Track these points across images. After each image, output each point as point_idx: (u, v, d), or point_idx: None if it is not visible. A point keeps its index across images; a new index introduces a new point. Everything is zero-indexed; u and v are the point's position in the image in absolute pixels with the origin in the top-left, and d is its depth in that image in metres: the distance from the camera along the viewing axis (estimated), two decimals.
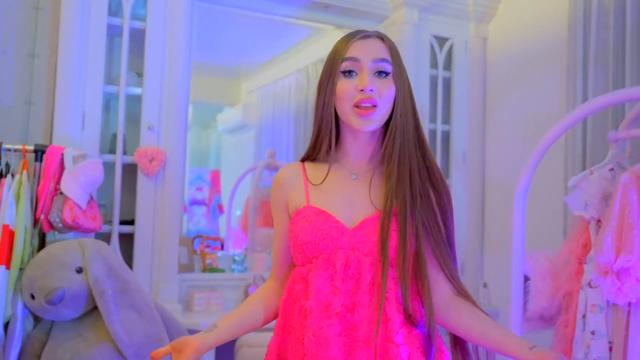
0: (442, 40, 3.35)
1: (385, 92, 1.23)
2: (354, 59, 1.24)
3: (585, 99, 2.60)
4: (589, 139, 2.56)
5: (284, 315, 1.27)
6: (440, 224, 1.25)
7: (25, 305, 2.26)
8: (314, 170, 1.32)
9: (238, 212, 4.33)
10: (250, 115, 4.73)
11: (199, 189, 4.45)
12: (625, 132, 2.10)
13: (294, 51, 4.33)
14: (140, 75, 2.78)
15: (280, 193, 1.33)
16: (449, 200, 1.27)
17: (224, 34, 4.02)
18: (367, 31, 1.29)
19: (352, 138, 1.29)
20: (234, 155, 4.94)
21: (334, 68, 1.26)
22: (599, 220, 2.00)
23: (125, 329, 2.21)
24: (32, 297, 2.20)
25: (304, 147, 4.16)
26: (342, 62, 1.24)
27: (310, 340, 1.16)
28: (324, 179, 1.30)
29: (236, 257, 3.12)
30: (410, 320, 1.18)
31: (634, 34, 2.43)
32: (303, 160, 1.37)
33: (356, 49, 1.25)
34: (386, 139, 1.27)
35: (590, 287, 1.95)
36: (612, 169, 2.06)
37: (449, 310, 1.24)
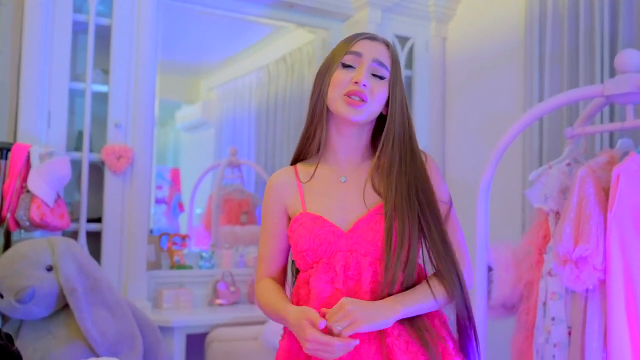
0: (403, 40, 3.45)
1: (377, 92, 1.29)
2: (357, 54, 1.30)
3: (541, 97, 2.73)
4: (545, 136, 2.69)
5: None
6: (432, 223, 1.29)
7: None
8: (306, 169, 1.37)
9: (198, 211, 4.33)
10: (210, 113, 4.72)
11: (159, 187, 4.41)
12: (581, 128, 2.23)
13: (255, 49, 4.35)
14: (106, 72, 2.77)
15: (275, 197, 1.38)
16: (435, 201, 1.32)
17: (184, 31, 4.01)
18: (375, 35, 1.35)
19: (338, 136, 1.34)
20: (193, 154, 4.92)
21: (335, 59, 1.31)
22: (557, 212, 2.12)
23: (97, 326, 2.21)
24: (1, 296, 2.17)
25: (265, 145, 4.22)
26: (345, 54, 1.30)
27: None
28: (312, 176, 1.34)
29: (203, 254, 3.15)
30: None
31: (587, 36, 2.57)
32: (294, 162, 1.41)
33: (361, 46, 1.31)
34: (383, 143, 1.31)
35: (550, 275, 2.07)
36: (569, 164, 2.18)
37: None
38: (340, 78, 1.29)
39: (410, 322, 1.24)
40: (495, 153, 2.20)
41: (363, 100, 1.27)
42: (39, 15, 2.56)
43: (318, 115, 1.33)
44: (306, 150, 1.39)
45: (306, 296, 1.29)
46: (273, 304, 1.31)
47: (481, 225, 2.21)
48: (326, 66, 1.33)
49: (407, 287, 1.25)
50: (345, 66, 1.30)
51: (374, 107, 1.30)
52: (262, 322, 2.71)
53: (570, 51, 2.64)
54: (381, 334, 1.21)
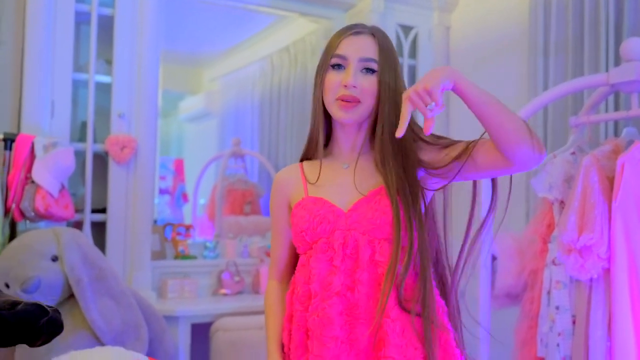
0: (406, 29, 3.43)
1: (368, 88, 1.31)
2: (342, 57, 1.32)
3: (545, 86, 2.72)
4: (549, 125, 2.68)
5: (289, 306, 1.34)
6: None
7: None
8: (311, 168, 1.40)
9: (202, 201, 4.34)
10: (213, 103, 4.72)
11: (163, 177, 4.42)
12: (585, 117, 2.22)
13: (257, 39, 4.33)
14: (109, 62, 2.76)
15: (280, 193, 1.41)
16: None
17: (186, 22, 4.00)
18: (362, 26, 1.35)
19: (341, 131, 1.37)
20: (196, 144, 4.92)
21: (325, 62, 1.34)
22: (562, 202, 2.11)
23: (102, 316, 2.22)
24: (7, 286, 2.19)
25: (268, 136, 4.22)
26: (331, 57, 1.32)
27: (314, 321, 1.23)
28: (318, 177, 1.36)
29: (207, 244, 3.15)
30: (400, 302, 1.23)
31: (591, 24, 2.55)
32: (301, 160, 1.45)
33: (346, 46, 1.32)
34: (376, 133, 1.33)
35: (554, 264, 2.07)
36: (573, 153, 2.18)
37: None
38: (331, 81, 1.32)
39: (409, 308, 1.23)
40: None
41: (356, 101, 1.30)
42: (41, 6, 2.55)
43: (319, 118, 1.37)
44: (312, 151, 1.42)
45: (300, 279, 1.31)
46: (267, 329, 1.41)
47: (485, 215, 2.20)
48: (321, 66, 1.36)
49: (422, 270, 1.25)
50: (334, 67, 1.32)
51: (368, 102, 1.32)
52: None
53: (575, 39, 2.62)
54: (378, 316, 1.21)
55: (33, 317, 1.45)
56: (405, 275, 1.23)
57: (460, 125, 3.42)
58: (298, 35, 3.90)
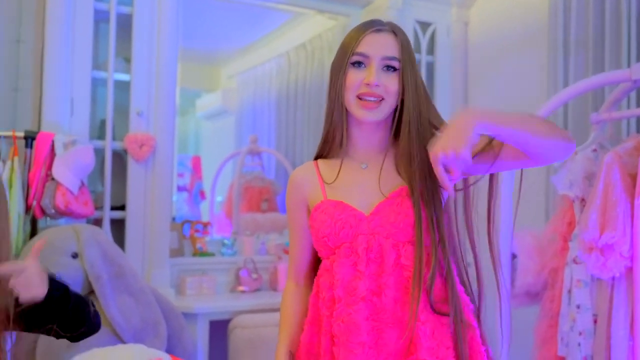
0: (424, 25, 3.41)
1: (391, 87, 1.28)
2: (363, 55, 1.28)
3: (566, 82, 2.68)
4: (570, 121, 2.65)
5: (312, 310, 1.32)
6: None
7: None
8: (327, 167, 1.37)
9: (219, 198, 4.35)
10: (230, 100, 4.74)
11: (181, 175, 4.45)
12: (607, 114, 2.19)
13: (274, 36, 4.33)
14: (128, 60, 2.77)
15: (297, 193, 1.38)
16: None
17: (203, 19, 4.01)
18: (380, 23, 1.32)
19: (358, 130, 1.34)
20: (214, 141, 4.94)
21: (344, 59, 1.30)
22: (583, 199, 2.08)
23: (122, 313, 2.23)
24: None
25: (285, 133, 4.22)
26: (352, 54, 1.29)
27: (340, 326, 1.20)
28: (337, 176, 1.33)
29: (225, 241, 3.16)
30: (431, 304, 1.21)
31: (613, 19, 2.51)
32: (316, 158, 1.41)
33: (366, 44, 1.28)
34: (401, 132, 1.30)
35: (575, 263, 2.04)
36: (595, 150, 2.15)
37: None
38: (352, 79, 1.28)
39: (441, 310, 1.22)
40: None
41: (378, 100, 1.27)
42: (61, 5, 2.56)
43: (337, 117, 1.32)
44: (327, 150, 1.39)
45: (325, 284, 1.29)
46: (279, 333, 1.41)
47: (505, 213, 2.18)
48: (338, 63, 1.32)
49: (447, 269, 1.24)
50: (355, 65, 1.29)
51: (390, 101, 1.29)
52: None
53: (596, 34, 2.58)
54: (412, 321, 1.19)
55: (87, 303, 1.49)
56: (433, 278, 1.21)
57: None
58: (315, 32, 3.89)
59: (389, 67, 1.29)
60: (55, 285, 1.43)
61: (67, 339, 1.53)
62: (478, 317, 1.30)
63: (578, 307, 2.01)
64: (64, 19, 2.58)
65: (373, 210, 1.27)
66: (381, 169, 1.31)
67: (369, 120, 1.29)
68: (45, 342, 2.23)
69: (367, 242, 1.25)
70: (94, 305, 1.58)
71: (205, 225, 3.15)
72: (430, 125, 1.30)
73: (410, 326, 1.18)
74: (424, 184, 1.25)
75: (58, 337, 1.51)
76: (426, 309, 1.21)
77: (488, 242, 1.32)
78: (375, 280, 1.23)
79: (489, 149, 1.22)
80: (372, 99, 1.27)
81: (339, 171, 1.34)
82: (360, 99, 1.28)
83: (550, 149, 1.16)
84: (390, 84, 1.28)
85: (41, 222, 2.50)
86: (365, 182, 1.31)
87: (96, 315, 1.57)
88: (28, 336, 2.27)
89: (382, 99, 1.27)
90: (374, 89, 1.26)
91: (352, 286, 1.22)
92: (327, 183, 1.34)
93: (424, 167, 1.25)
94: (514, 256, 2.23)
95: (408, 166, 1.27)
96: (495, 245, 1.34)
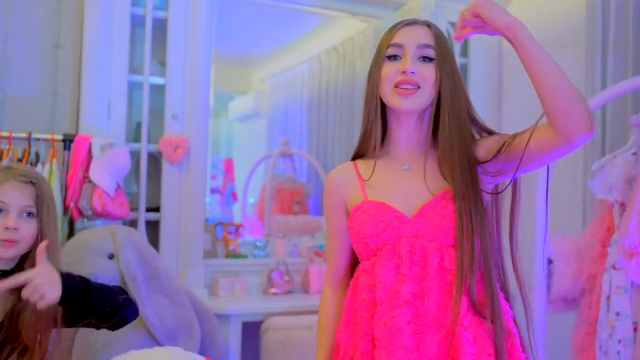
0: None
1: (427, 76, 1.26)
2: (398, 45, 1.28)
3: (604, 84, 2.62)
4: (608, 124, 2.59)
5: (348, 312, 1.31)
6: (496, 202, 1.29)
7: None
8: (366, 167, 1.35)
9: (251, 200, 4.37)
10: (262, 103, 4.75)
11: (214, 177, 4.48)
12: None
13: (306, 39, 4.34)
14: (163, 65, 2.81)
15: (335, 195, 1.37)
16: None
17: (236, 23, 4.04)
18: (415, 19, 1.33)
19: (397, 125, 1.32)
20: (247, 144, 4.97)
21: (381, 54, 1.30)
22: (622, 204, 2.03)
23: (157, 314, 2.25)
24: None
25: (317, 136, 4.22)
26: (387, 47, 1.29)
27: (382, 330, 1.19)
28: (372, 174, 1.32)
29: (258, 244, 3.17)
30: (476, 308, 1.20)
31: None
32: (354, 159, 1.40)
33: (401, 36, 1.29)
34: (440, 123, 1.28)
35: (615, 269, 1.99)
36: (635, 154, 2.09)
37: None
38: (388, 71, 1.28)
39: (484, 315, 1.21)
40: None
41: (415, 87, 1.25)
42: (98, 11, 2.61)
43: (374, 113, 1.31)
44: (365, 148, 1.37)
45: (364, 286, 1.27)
46: (318, 342, 1.39)
47: (540, 217, 2.14)
48: (375, 62, 1.32)
49: (487, 274, 1.22)
50: (391, 58, 1.28)
51: (428, 91, 1.27)
52: (315, 312, 2.70)
53: (636, 35, 2.52)
54: (451, 325, 1.18)
55: (114, 292, 1.50)
56: (474, 282, 1.20)
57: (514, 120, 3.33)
58: (347, 35, 3.89)
59: (425, 58, 1.27)
60: (70, 284, 1.41)
61: (107, 329, 1.55)
62: (517, 323, 1.27)
63: (617, 314, 1.96)
64: (102, 25, 2.62)
65: (417, 213, 1.25)
66: (425, 170, 1.29)
67: (406, 109, 1.27)
68: (82, 343, 2.27)
69: (411, 245, 1.23)
70: (126, 293, 1.58)
71: (238, 227, 3.17)
72: (469, 116, 1.29)
73: (452, 330, 1.17)
74: (466, 188, 1.23)
75: (98, 328, 1.53)
76: (469, 314, 1.19)
77: (511, 251, 1.29)
78: (418, 284, 1.21)
79: (514, 148, 1.21)
80: (408, 86, 1.25)
81: (374, 169, 1.32)
82: (397, 87, 1.26)
83: (572, 108, 1.12)
84: (427, 72, 1.26)
85: (78, 224, 2.54)
86: (408, 184, 1.29)
87: (129, 304, 1.56)
88: (67, 336, 2.31)
89: (419, 87, 1.25)
90: (410, 76, 1.25)
91: (394, 289, 1.21)
92: (366, 182, 1.32)
93: (465, 163, 1.24)
94: (550, 261, 2.18)
95: (450, 167, 1.25)
96: (518, 255, 1.30)
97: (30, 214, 1.42)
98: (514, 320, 1.27)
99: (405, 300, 1.19)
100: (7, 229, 1.38)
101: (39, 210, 1.43)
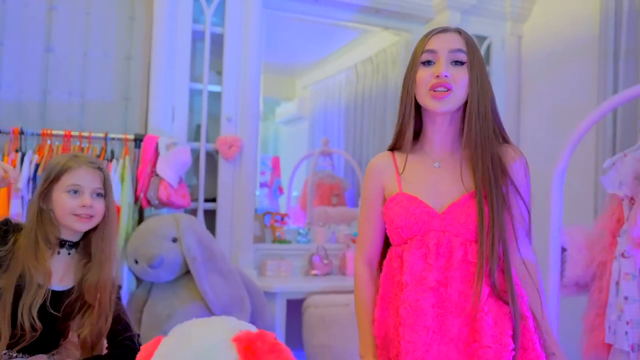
0: (481, 39, 3.32)
1: (459, 79, 1.23)
2: (432, 51, 1.25)
3: (615, 91, 2.55)
4: (619, 125, 2.52)
5: (383, 289, 1.30)
6: (520, 202, 1.24)
7: (129, 269, 2.38)
8: (401, 158, 1.33)
9: (295, 193, 4.39)
10: (304, 108, 4.76)
11: (262, 173, 4.52)
12: None
13: (344, 51, 4.33)
14: (219, 74, 2.85)
15: (375, 179, 1.34)
16: (526, 176, 1.28)
17: (282, 37, 4.05)
18: (446, 27, 1.30)
19: (432, 124, 1.30)
20: (290, 144, 4.99)
21: (415, 60, 1.27)
22: (632, 198, 1.97)
23: (213, 290, 2.30)
24: (136, 262, 2.31)
25: (353, 136, 4.21)
26: (421, 54, 1.26)
27: (407, 310, 1.18)
28: (404, 168, 1.30)
29: (301, 231, 3.19)
30: (497, 294, 1.19)
31: None
32: (391, 149, 1.37)
33: (434, 42, 1.26)
34: (466, 123, 1.26)
35: (624, 257, 1.93)
36: None
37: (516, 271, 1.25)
38: (422, 76, 1.25)
39: (504, 300, 1.20)
40: (569, 144, 2.07)
41: (448, 89, 1.22)
42: (164, 27, 2.67)
43: (408, 113, 1.29)
44: (400, 143, 1.35)
45: (398, 269, 1.26)
46: (360, 320, 1.34)
47: (555, 210, 2.09)
48: (410, 68, 1.29)
49: (507, 265, 1.20)
50: (425, 64, 1.26)
51: (460, 93, 1.24)
52: (351, 291, 2.71)
53: None
54: (470, 309, 1.17)
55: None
56: (495, 271, 1.19)
57: (531, 126, 3.27)
58: (380, 46, 3.87)
59: (457, 62, 1.24)
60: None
61: None
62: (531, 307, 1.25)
63: (626, 298, 1.90)
64: (167, 39, 2.68)
65: (445, 210, 1.24)
66: (457, 169, 1.27)
67: (440, 110, 1.24)
68: (150, 314, 2.32)
69: (438, 238, 1.22)
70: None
71: (283, 216, 3.20)
72: (493, 120, 1.26)
73: (472, 314, 1.17)
74: (489, 187, 1.21)
75: None
76: (489, 299, 1.18)
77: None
78: (442, 273, 1.20)
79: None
80: (441, 89, 1.22)
81: (405, 162, 1.31)
82: (432, 90, 1.23)
83: None
84: (459, 75, 1.23)
85: (147, 212, 2.60)
86: (439, 180, 1.27)
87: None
88: (136, 307, 2.37)
89: (452, 89, 1.22)
90: (443, 79, 1.22)
91: (421, 276, 1.20)
92: (401, 174, 1.31)
93: (487, 163, 1.22)
94: (563, 249, 2.13)
95: (474, 166, 1.23)
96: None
97: (99, 194, 1.46)
98: (528, 305, 1.25)
99: (430, 286, 1.19)
100: (84, 206, 1.42)
101: (106, 191, 1.48)
